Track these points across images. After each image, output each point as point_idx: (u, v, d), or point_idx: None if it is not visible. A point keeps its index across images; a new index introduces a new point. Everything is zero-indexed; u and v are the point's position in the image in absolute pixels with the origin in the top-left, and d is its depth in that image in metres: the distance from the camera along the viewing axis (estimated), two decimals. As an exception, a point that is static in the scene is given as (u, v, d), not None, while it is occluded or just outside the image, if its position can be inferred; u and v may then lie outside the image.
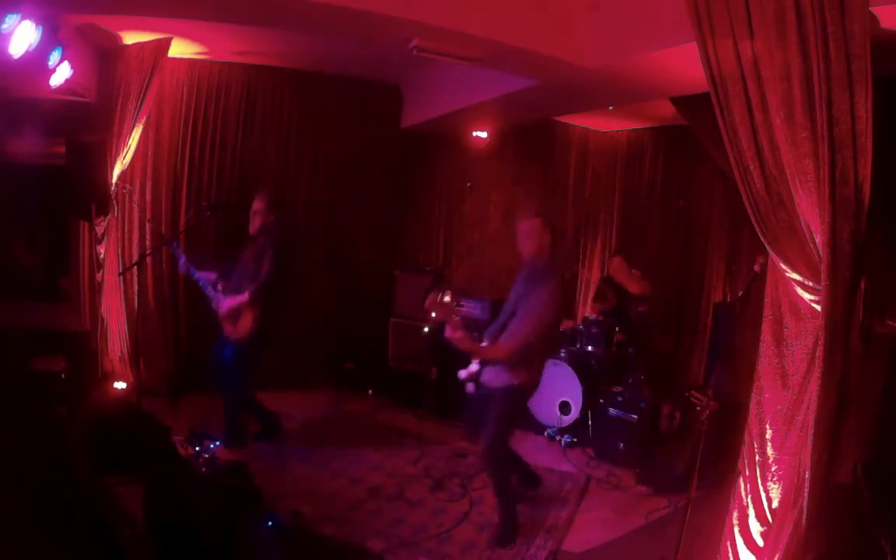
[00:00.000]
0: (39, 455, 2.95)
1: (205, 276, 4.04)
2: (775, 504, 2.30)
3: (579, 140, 7.19)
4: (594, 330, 5.17)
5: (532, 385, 3.37)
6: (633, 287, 5.34)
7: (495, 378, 3.29)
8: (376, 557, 2.98)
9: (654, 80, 3.77)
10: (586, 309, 7.05)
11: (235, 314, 3.92)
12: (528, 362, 3.26)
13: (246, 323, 3.92)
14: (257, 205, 4.06)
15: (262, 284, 3.89)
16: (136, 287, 4.82)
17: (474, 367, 3.36)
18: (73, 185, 4.49)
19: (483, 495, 3.79)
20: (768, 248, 2.27)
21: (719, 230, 5.98)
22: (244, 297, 3.89)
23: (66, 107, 4.39)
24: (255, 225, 4.04)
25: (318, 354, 5.82)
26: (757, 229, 2.27)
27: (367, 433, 4.67)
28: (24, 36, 3.25)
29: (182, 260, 4.02)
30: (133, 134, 4.50)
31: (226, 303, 3.95)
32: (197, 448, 3.84)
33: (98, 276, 4.68)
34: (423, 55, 3.58)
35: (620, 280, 5.66)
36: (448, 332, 3.23)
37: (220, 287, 4.03)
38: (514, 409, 3.37)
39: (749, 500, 2.40)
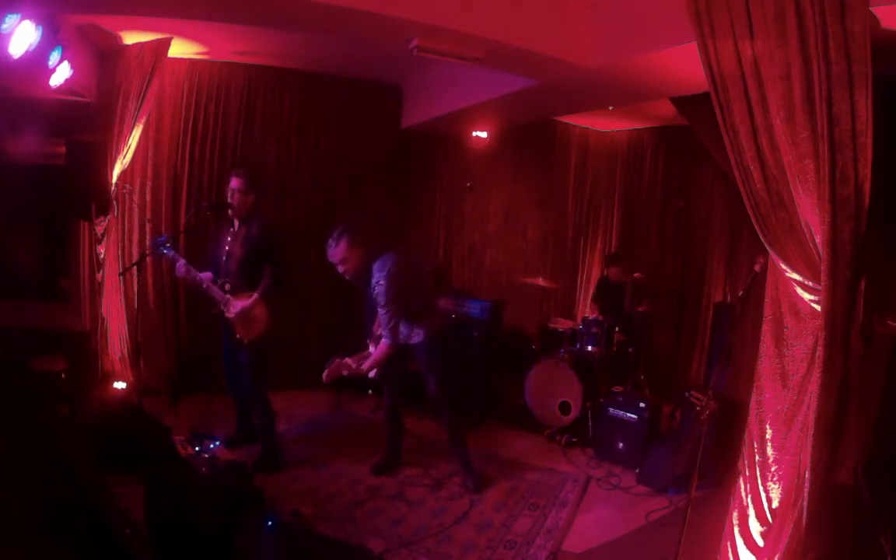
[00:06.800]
0: (40, 455, 2.95)
1: (205, 277, 3.74)
2: (775, 504, 2.29)
3: (579, 140, 7.21)
4: (594, 330, 5.18)
5: (439, 331, 3.86)
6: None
7: (410, 338, 3.78)
8: (376, 557, 2.98)
9: (654, 80, 3.77)
10: (586, 309, 7.07)
11: (247, 317, 3.73)
12: (420, 318, 3.74)
13: (259, 324, 3.77)
14: (235, 182, 3.72)
15: (272, 283, 3.76)
16: (136, 287, 4.82)
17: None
18: (73, 185, 4.49)
19: (484, 494, 3.80)
20: (768, 247, 2.27)
21: (719, 230, 5.99)
22: (254, 299, 3.72)
23: (66, 107, 4.38)
24: (236, 207, 3.75)
25: (318, 354, 5.77)
26: (757, 229, 2.26)
27: (367, 433, 4.67)
28: (23, 36, 3.23)
29: (180, 263, 3.68)
30: (133, 134, 4.49)
31: (237, 305, 3.71)
32: (197, 448, 3.85)
33: (98, 276, 4.67)
34: (423, 55, 3.58)
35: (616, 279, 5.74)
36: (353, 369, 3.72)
37: (227, 287, 3.75)
38: (437, 355, 3.82)
39: (749, 500, 2.39)
